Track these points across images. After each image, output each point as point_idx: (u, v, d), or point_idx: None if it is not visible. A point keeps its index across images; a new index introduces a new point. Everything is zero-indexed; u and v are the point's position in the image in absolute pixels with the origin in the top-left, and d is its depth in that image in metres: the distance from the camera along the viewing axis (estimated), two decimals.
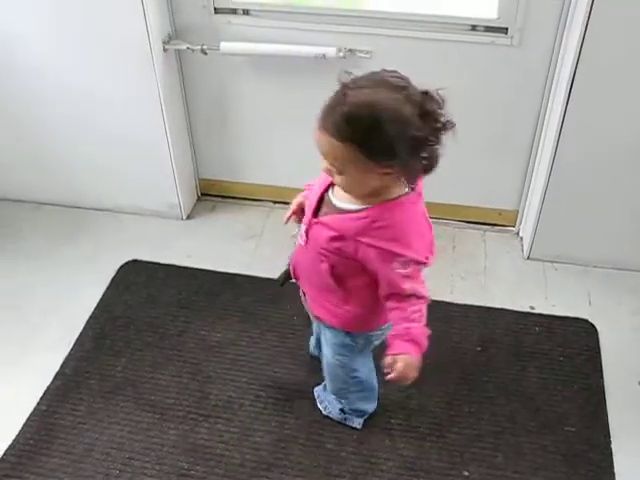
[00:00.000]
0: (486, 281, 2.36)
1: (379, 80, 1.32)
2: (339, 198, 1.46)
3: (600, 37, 1.92)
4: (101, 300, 2.28)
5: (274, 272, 2.31)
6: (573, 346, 2.14)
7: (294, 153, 2.51)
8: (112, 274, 2.37)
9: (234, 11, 2.24)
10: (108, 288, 2.32)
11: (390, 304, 1.45)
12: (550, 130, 2.20)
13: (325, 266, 1.49)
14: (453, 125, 1.33)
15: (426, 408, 1.97)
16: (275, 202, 2.66)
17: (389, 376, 1.42)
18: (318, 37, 2.20)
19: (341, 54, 2.18)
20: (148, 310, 2.24)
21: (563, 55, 2.08)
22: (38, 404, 1.98)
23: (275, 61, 2.29)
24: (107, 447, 1.87)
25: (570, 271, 2.41)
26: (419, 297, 1.42)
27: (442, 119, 1.32)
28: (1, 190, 2.70)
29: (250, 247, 2.49)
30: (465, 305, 2.26)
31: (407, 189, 1.42)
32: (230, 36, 2.25)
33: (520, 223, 2.55)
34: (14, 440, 1.90)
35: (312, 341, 2.04)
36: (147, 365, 2.07)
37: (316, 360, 1.98)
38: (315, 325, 1.89)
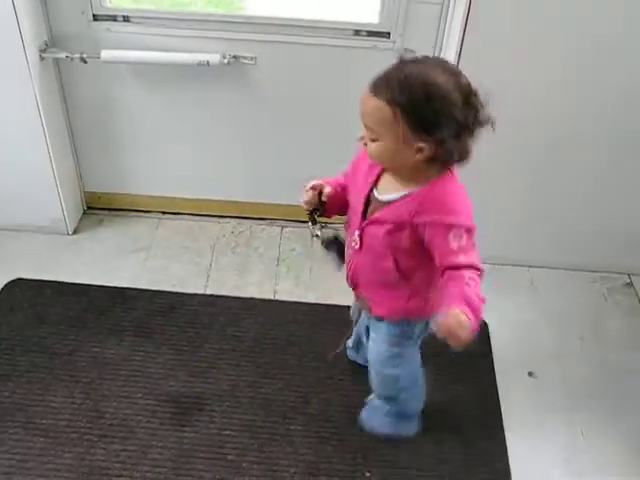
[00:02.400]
0: None
1: (436, 62, 1.42)
2: (382, 192, 1.50)
3: (478, 38, 1.98)
4: None
5: (165, 284, 2.31)
6: None
7: (180, 162, 2.49)
8: None
9: (114, 18, 2.19)
10: None
11: (447, 276, 1.41)
12: None
13: (389, 263, 1.51)
14: (492, 123, 1.39)
15: (325, 412, 1.97)
16: (164, 212, 2.61)
17: (439, 333, 1.34)
18: (201, 44, 2.18)
19: (225, 60, 2.17)
20: (35, 330, 2.15)
21: (444, 57, 2.14)
22: None
23: (158, 69, 2.25)
24: None
25: None
26: (475, 268, 1.40)
27: (482, 116, 1.37)
28: None
29: (139, 259, 2.43)
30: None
31: (440, 170, 1.44)
32: (111, 44, 2.19)
33: None
34: None
35: (349, 344, 2.05)
36: (37, 388, 1.98)
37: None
38: (362, 325, 1.91)
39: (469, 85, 1.37)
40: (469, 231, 1.40)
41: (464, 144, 1.38)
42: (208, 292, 2.31)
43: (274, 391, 2.01)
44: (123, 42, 2.20)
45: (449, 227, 1.39)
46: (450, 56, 2.05)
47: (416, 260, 1.50)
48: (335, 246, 1.70)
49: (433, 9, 2.10)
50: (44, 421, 1.90)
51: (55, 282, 2.31)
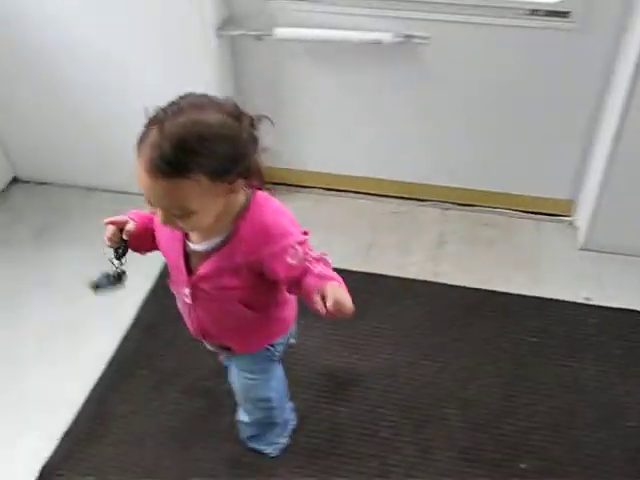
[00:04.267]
0: (541, 271, 2.32)
1: (184, 105, 1.22)
2: (196, 240, 1.38)
3: None
4: (152, 290, 2.29)
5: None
6: (631, 339, 2.10)
7: (347, 140, 2.50)
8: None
9: None
10: (159, 277, 2.31)
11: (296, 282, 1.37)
12: (612, 115, 2.14)
13: (237, 307, 1.43)
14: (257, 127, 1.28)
15: (481, 399, 1.94)
16: (327, 189, 2.65)
17: (326, 307, 1.25)
18: (374, 22, 2.18)
19: (398, 40, 2.15)
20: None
21: (629, 38, 2.03)
22: (91, 393, 2.00)
23: (330, 47, 2.27)
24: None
25: (628, 262, 2.35)
26: (313, 260, 1.35)
27: (252, 121, 1.27)
28: (51, 175, 2.73)
29: None
30: (520, 295, 2.22)
31: (247, 193, 1.34)
32: (285, 22, 2.24)
33: (575, 212, 2.50)
34: (68, 429, 1.92)
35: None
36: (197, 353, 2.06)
37: None
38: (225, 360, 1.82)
39: (232, 105, 1.26)
40: (301, 243, 1.33)
41: (256, 162, 1.27)
42: (369, 270, 2.32)
43: (432, 373, 2.00)
44: (297, 20, 2.23)
45: (283, 252, 1.31)
46: (636, 38, 1.95)
47: (264, 291, 1.44)
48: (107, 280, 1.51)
49: None
50: (204, 383, 1.99)
51: None
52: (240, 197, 1.32)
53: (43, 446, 1.88)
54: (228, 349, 1.60)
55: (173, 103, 1.23)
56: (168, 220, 1.26)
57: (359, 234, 2.46)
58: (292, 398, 1.88)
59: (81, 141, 2.58)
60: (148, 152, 1.17)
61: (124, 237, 1.44)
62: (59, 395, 2.00)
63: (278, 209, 1.37)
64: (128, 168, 1.26)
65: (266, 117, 1.30)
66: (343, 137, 2.50)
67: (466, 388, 1.97)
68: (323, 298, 1.26)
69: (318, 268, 1.32)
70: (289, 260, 1.32)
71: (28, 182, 2.77)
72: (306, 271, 1.32)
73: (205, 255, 1.37)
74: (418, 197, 2.57)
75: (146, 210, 1.37)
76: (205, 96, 1.26)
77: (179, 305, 1.56)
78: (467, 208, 2.52)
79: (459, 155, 2.44)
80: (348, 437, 1.87)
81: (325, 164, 2.61)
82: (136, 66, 2.32)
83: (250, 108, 2.43)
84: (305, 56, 2.34)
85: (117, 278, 1.50)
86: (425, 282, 2.27)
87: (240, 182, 1.26)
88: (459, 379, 1.98)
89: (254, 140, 1.26)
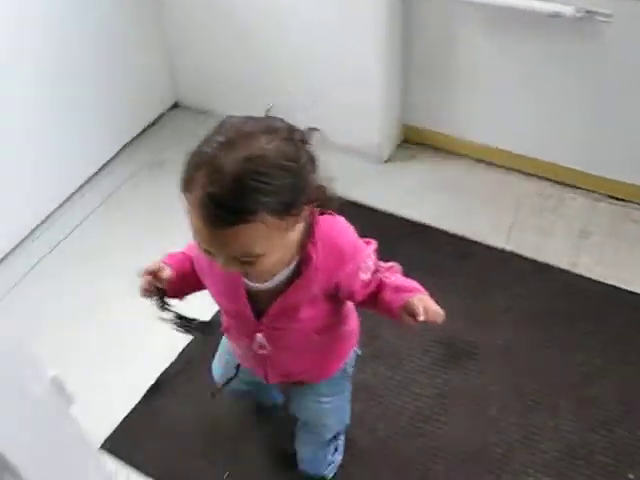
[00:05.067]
0: None
1: (232, 134, 1.08)
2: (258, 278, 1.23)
3: None
4: None
5: (466, 230, 2.30)
6: None
7: (509, 112, 2.42)
8: None
9: None
10: None
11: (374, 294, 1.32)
12: None
13: (313, 336, 1.34)
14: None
15: (600, 398, 1.87)
16: (477, 160, 2.58)
17: (420, 318, 1.23)
18: None
19: (579, 14, 2.05)
20: None
21: None
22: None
23: (506, 14, 2.19)
24: None
25: None
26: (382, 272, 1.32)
27: (304, 137, 1.14)
28: (213, 103, 2.77)
29: (445, 200, 2.44)
30: None
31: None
32: None
33: None
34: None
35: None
36: None
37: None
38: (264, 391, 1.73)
39: (282, 125, 1.12)
40: (370, 256, 1.28)
41: (316, 182, 1.15)
42: (505, 247, 2.27)
43: (552, 361, 1.95)
44: None
45: (357, 270, 1.25)
46: None
47: (335, 311, 1.37)
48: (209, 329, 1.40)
49: None
50: None
51: (360, 204, 2.41)
52: (300, 224, 1.16)
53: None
54: (300, 382, 1.53)
55: (217, 132, 1.09)
56: (231, 267, 1.12)
57: (502, 210, 2.39)
58: (403, 360, 1.88)
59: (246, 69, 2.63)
60: (201, 199, 1.03)
61: (160, 286, 1.30)
62: None
63: (343, 225, 1.28)
64: None
65: (315, 129, 1.17)
66: (501, 108, 2.42)
67: (586, 384, 1.90)
68: (410, 314, 1.25)
69: (392, 278, 1.30)
70: (363, 276, 1.27)
71: (189, 108, 2.87)
72: (381, 284, 1.30)
73: (274, 293, 1.24)
74: (568, 182, 2.47)
75: (179, 250, 1.33)
76: (251, 119, 1.11)
77: (239, 356, 1.48)
78: (619, 202, 2.39)
79: (620, 146, 2.30)
80: (454, 407, 1.86)
81: (478, 133, 2.54)
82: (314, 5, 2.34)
83: (412, 67, 2.45)
84: (476, 20, 2.26)
85: (202, 329, 1.38)
86: (561, 270, 2.18)
87: (306, 210, 1.13)
88: (580, 373, 1.91)
89: (312, 160, 1.13)
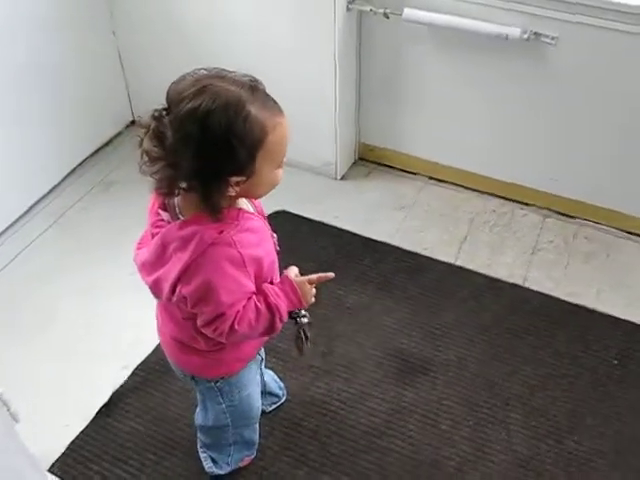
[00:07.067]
0: (637, 296, 2.23)
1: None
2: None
3: None
4: None
5: (417, 246, 2.33)
6: None
7: (459, 131, 2.47)
8: None
9: None
10: None
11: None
12: None
13: None
14: None
15: (548, 410, 1.90)
16: (430, 177, 2.63)
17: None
18: (502, 15, 2.14)
19: (525, 36, 2.11)
20: (287, 260, 2.27)
21: None
22: None
23: (455, 35, 2.24)
24: None
25: None
26: None
27: None
28: None
29: (398, 217, 2.48)
30: (609, 315, 2.15)
31: None
32: (414, 3, 2.22)
33: None
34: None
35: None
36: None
37: None
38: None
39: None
40: None
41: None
42: (458, 263, 2.31)
43: (501, 375, 1.98)
44: (426, 3, 2.21)
45: None
46: None
47: None
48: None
49: None
50: (280, 345, 2.01)
51: (315, 221, 2.44)
52: None
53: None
54: None
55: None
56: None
57: (455, 227, 2.44)
58: (357, 375, 1.90)
59: None
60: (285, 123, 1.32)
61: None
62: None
63: None
64: None
65: None
66: (454, 127, 2.47)
67: (534, 396, 1.93)
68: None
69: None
70: None
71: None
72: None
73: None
74: (520, 200, 2.52)
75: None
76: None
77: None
78: (570, 219, 2.45)
79: (571, 163, 2.36)
80: (408, 422, 1.88)
81: (432, 152, 2.59)
82: (268, 33, 2.37)
83: (366, 86, 2.49)
84: (428, 40, 2.32)
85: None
86: (512, 285, 2.23)
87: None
88: (528, 386, 1.95)
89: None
